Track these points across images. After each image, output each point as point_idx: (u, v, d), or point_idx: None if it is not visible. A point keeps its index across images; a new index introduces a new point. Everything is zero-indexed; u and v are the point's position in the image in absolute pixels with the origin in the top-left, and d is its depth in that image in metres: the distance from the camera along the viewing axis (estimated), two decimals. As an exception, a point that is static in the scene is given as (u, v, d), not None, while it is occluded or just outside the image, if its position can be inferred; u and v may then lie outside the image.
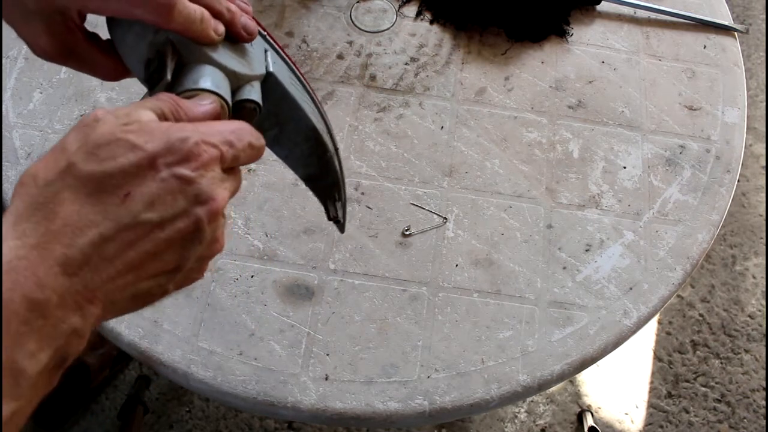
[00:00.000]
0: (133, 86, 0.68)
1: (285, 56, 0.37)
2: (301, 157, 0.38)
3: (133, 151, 0.27)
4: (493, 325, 0.58)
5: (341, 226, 0.42)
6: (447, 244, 0.62)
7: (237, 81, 0.33)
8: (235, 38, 0.35)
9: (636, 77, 0.74)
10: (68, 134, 0.29)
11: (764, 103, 1.68)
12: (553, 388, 1.31)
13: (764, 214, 1.53)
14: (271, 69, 0.35)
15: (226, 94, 0.33)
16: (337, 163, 0.40)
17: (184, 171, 0.28)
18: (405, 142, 0.67)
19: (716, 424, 1.31)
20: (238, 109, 0.34)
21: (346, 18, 0.76)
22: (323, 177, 0.40)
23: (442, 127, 0.69)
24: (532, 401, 1.30)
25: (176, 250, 0.29)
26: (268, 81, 0.35)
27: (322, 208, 0.41)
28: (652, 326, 1.39)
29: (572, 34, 0.76)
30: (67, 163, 0.27)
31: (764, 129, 1.65)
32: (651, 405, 1.32)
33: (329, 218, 0.42)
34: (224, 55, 0.33)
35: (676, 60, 0.76)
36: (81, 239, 0.26)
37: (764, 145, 1.63)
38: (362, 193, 0.64)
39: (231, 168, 0.31)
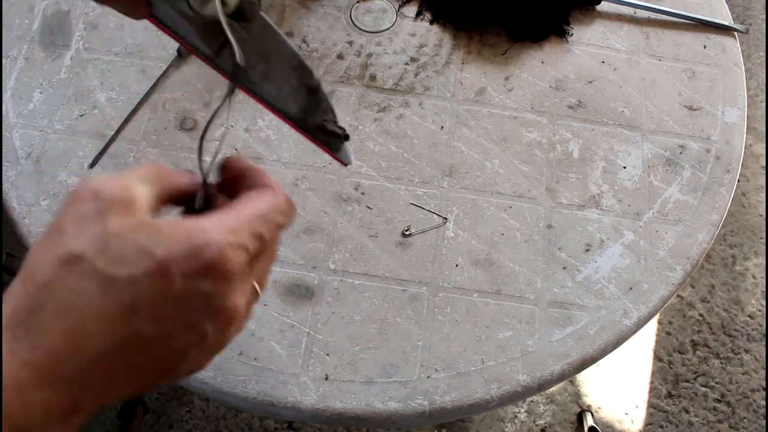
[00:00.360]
0: (133, 86, 0.68)
1: None
2: (291, 91, 0.39)
3: (143, 257, 0.24)
4: (493, 325, 0.58)
5: (345, 138, 0.42)
6: (447, 244, 0.62)
7: None
8: None
9: (636, 77, 0.74)
10: (67, 227, 0.25)
11: (764, 103, 1.68)
12: (553, 388, 1.31)
13: (764, 214, 1.53)
14: None
15: None
16: (322, 90, 0.41)
17: (202, 286, 0.25)
18: (405, 142, 0.67)
19: (716, 424, 1.31)
20: (242, 10, 0.35)
21: (346, 18, 0.76)
22: (315, 107, 0.41)
23: (442, 127, 0.69)
24: (532, 401, 1.30)
25: (172, 358, 0.26)
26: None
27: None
28: (652, 326, 1.39)
29: (572, 34, 0.76)
30: (69, 257, 0.24)
31: (764, 129, 1.65)
32: (651, 405, 1.32)
33: (334, 136, 0.41)
34: None
35: (676, 60, 0.76)
36: (74, 360, 0.24)
37: (764, 145, 1.63)
38: (362, 193, 0.64)
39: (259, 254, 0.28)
